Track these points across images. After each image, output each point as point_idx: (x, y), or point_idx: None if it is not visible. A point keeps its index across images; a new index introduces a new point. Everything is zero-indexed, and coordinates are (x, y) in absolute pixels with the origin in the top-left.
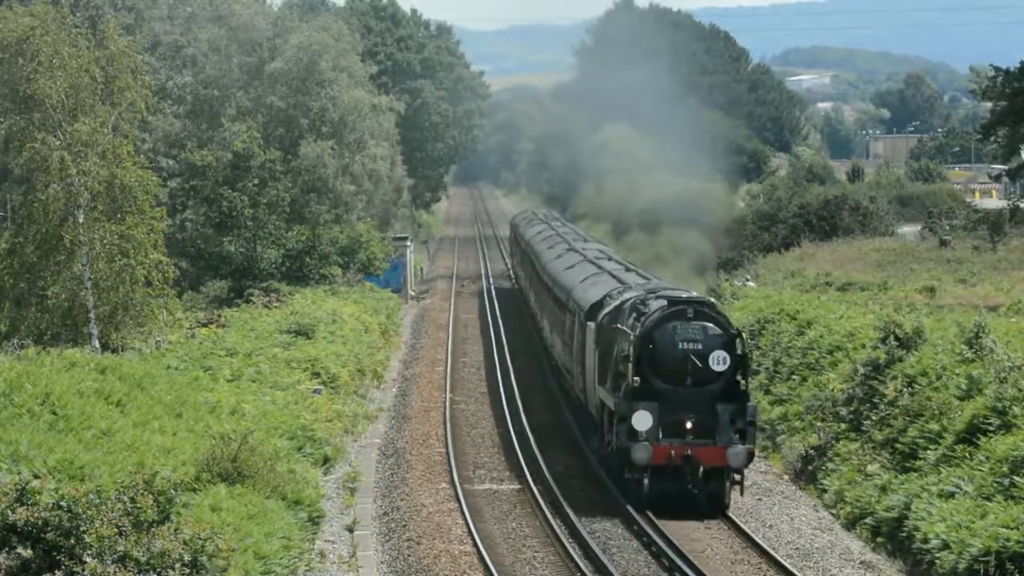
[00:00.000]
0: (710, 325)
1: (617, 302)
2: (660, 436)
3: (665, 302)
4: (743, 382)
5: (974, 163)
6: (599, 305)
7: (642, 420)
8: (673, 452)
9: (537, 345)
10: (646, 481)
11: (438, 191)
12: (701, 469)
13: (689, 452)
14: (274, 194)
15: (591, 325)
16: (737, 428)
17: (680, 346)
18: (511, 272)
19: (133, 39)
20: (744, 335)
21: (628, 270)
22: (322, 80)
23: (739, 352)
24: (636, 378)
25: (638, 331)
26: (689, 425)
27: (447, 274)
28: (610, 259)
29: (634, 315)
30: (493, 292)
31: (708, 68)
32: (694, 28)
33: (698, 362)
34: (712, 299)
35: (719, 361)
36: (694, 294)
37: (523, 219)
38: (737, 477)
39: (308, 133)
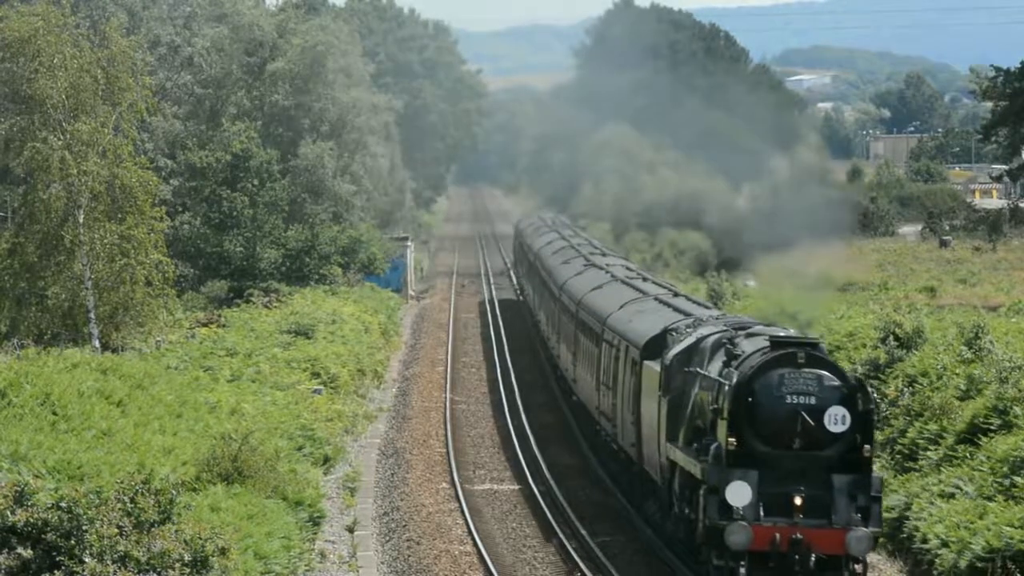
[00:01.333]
0: (825, 374)
1: (690, 339)
2: (761, 514)
3: (766, 343)
4: (867, 447)
5: (974, 163)
6: (660, 341)
7: (738, 493)
8: (778, 535)
9: (541, 354)
10: (742, 571)
11: (439, 189)
12: (813, 557)
13: (798, 535)
14: (273, 194)
15: (651, 366)
16: (858, 506)
17: (788, 400)
18: (515, 283)
19: (133, 39)
20: (868, 387)
21: (677, 295)
22: (324, 80)
23: (861, 408)
24: (732, 439)
25: (734, 379)
26: (798, 501)
27: (447, 274)
28: (645, 279)
29: (722, 358)
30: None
31: (708, 68)
32: (694, 28)
33: (810, 421)
34: (820, 339)
35: (837, 420)
36: (792, 332)
37: (529, 227)
38: (858, 568)
39: (308, 133)
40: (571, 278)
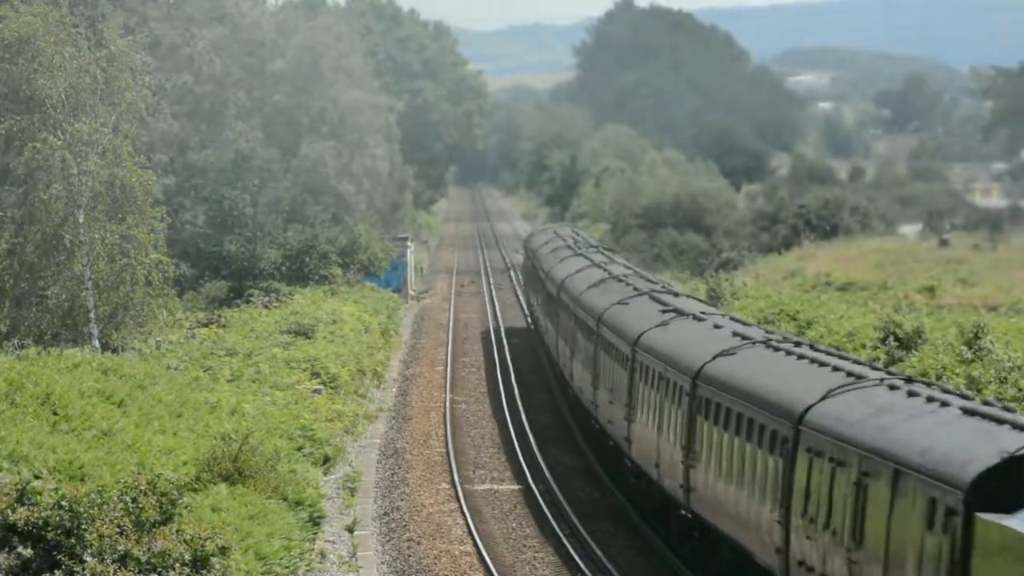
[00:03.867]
0: None
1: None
2: None
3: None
4: None
5: (975, 162)
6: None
7: None
8: None
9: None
10: None
11: (440, 189)
12: None
13: None
14: (274, 194)
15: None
16: None
17: None
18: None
19: (133, 38)
20: None
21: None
22: (323, 80)
23: None
24: None
25: None
26: None
27: (447, 275)
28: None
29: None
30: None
31: (708, 68)
32: (694, 28)
33: None
34: None
35: None
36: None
37: (544, 246)
38: None
39: (309, 133)
40: (654, 330)
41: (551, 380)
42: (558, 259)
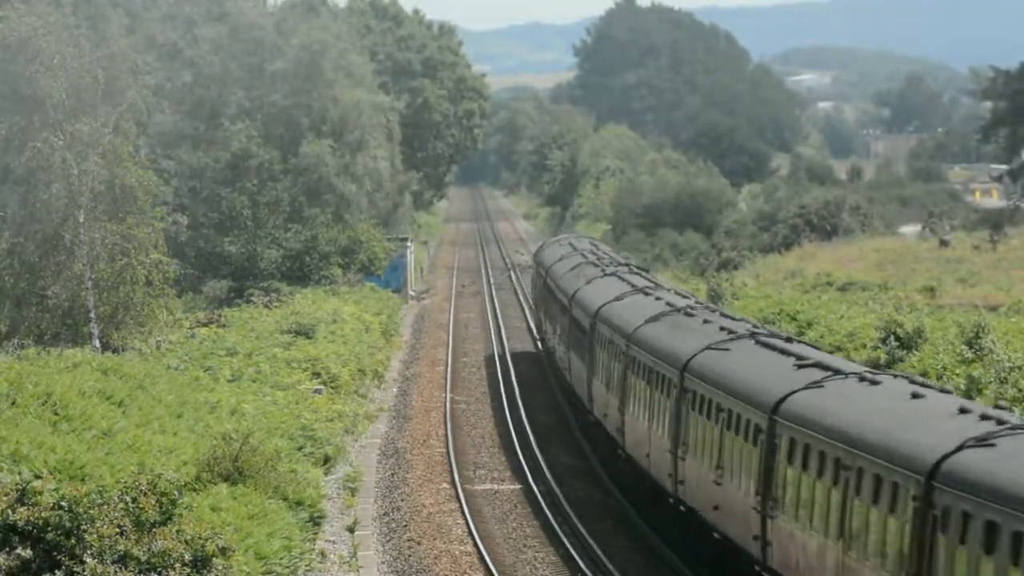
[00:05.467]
0: None
1: None
2: None
3: None
4: None
5: (974, 163)
6: None
7: None
8: None
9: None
10: None
11: (441, 189)
12: None
13: None
14: (274, 194)
15: None
16: None
17: None
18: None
19: (133, 38)
20: None
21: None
22: (323, 79)
23: None
24: None
25: None
26: None
27: (448, 275)
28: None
29: None
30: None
31: (709, 68)
32: (695, 27)
33: None
34: None
35: None
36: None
37: (560, 261)
38: None
39: (308, 132)
40: (800, 403)
41: (548, 372)
42: (583, 278)
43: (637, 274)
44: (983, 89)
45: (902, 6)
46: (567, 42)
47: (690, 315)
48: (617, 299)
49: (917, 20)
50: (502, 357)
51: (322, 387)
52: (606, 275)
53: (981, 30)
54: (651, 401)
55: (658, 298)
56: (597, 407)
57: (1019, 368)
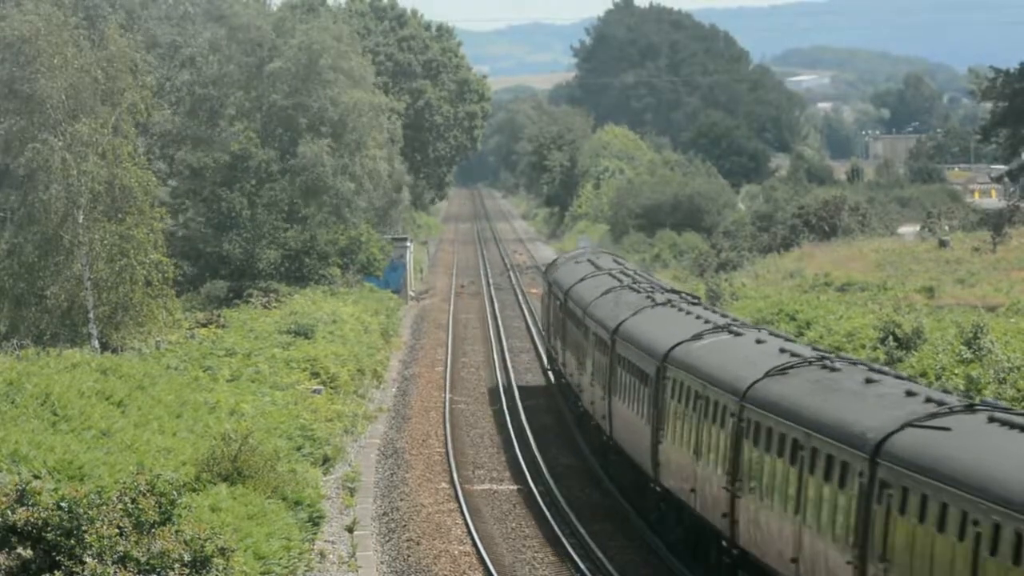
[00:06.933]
0: None
1: None
2: None
3: None
4: None
5: (974, 163)
6: None
7: None
8: None
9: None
10: None
11: (442, 189)
12: None
13: None
14: (272, 194)
15: None
16: None
17: None
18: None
19: (132, 38)
20: None
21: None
22: (322, 80)
23: None
24: None
25: None
26: None
27: (447, 276)
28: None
29: None
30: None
31: (708, 68)
32: (694, 28)
33: None
34: None
35: None
36: None
37: (581, 283)
38: None
39: (307, 133)
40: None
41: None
42: (627, 308)
43: (697, 304)
44: (983, 89)
45: (902, 6)
46: (566, 43)
47: (831, 368)
48: (696, 337)
49: (917, 20)
50: (502, 357)
51: (321, 387)
52: (657, 305)
53: (981, 30)
54: (781, 478)
55: (759, 341)
56: (669, 476)
57: (1018, 368)
